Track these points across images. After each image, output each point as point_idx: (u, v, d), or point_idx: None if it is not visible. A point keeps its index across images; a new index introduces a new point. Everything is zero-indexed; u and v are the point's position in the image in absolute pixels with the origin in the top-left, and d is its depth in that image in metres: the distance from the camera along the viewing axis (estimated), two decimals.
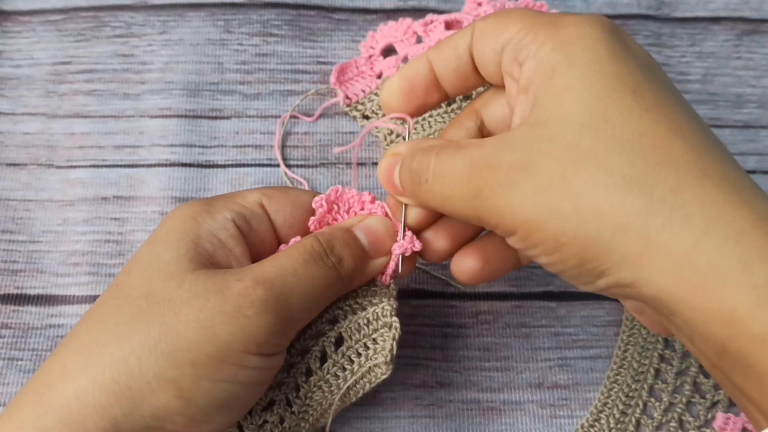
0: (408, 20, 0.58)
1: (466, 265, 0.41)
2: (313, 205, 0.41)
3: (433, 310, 0.51)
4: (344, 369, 0.41)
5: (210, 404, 0.35)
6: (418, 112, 0.43)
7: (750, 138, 0.59)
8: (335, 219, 0.42)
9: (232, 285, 0.35)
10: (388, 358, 0.39)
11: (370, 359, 0.40)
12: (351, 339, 0.41)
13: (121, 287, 0.37)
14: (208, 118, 0.57)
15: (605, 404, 0.48)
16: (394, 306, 0.41)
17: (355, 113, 0.57)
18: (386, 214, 0.42)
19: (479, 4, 0.58)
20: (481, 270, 0.41)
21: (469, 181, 0.35)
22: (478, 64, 0.40)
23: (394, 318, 0.40)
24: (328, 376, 0.41)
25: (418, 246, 0.41)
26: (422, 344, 0.50)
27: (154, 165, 0.55)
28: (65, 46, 0.59)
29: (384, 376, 0.40)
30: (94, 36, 0.60)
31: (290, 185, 0.54)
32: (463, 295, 0.51)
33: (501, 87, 0.40)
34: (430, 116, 0.54)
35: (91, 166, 0.55)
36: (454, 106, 0.52)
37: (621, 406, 0.48)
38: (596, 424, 0.47)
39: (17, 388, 0.47)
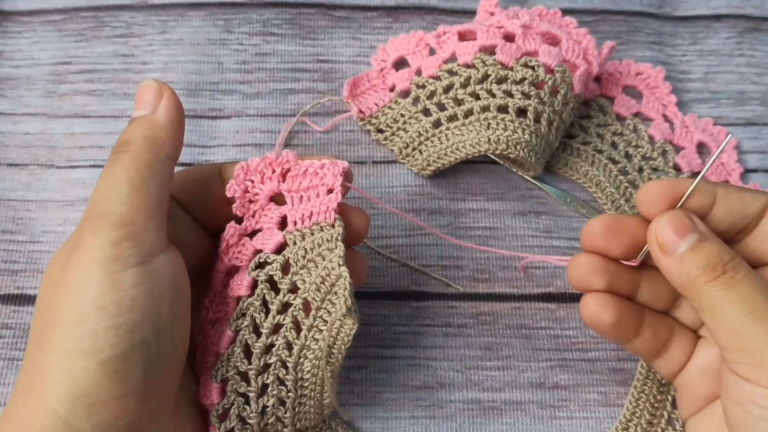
0: (420, 32, 0.58)
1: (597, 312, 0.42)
2: (228, 194, 0.41)
3: (433, 311, 0.51)
4: (320, 330, 0.41)
5: (123, 348, 0.34)
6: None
7: (753, 135, 0.58)
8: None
9: (70, 242, 0.36)
10: (344, 309, 0.39)
11: (336, 314, 0.40)
12: (316, 300, 0.41)
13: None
14: (209, 117, 0.57)
15: (633, 413, 0.48)
16: (342, 252, 0.40)
17: (369, 127, 0.57)
18: (333, 179, 0.41)
19: (491, 14, 0.57)
20: (609, 326, 0.42)
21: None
22: (761, 236, 0.41)
23: (343, 268, 0.39)
24: (309, 342, 0.41)
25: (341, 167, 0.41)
26: (423, 344, 0.50)
27: None
28: (65, 46, 0.59)
29: (354, 329, 0.40)
30: (95, 36, 0.60)
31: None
32: (464, 296, 0.51)
33: None
34: (447, 129, 0.53)
35: (91, 166, 0.55)
36: (472, 118, 0.52)
37: (648, 416, 0.48)
38: None
39: None
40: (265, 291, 0.41)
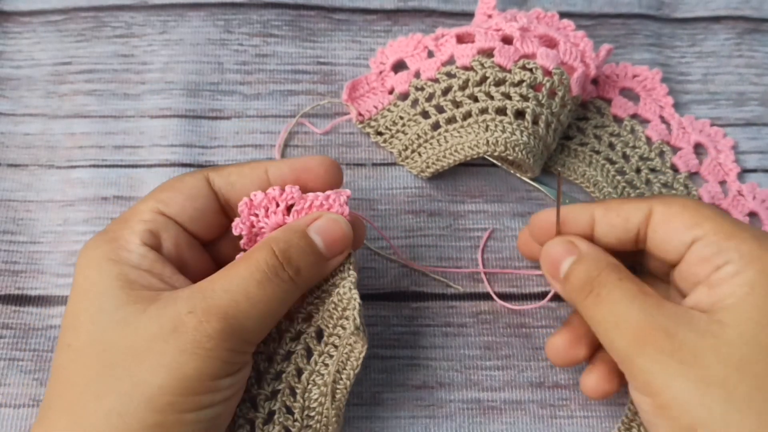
0: (418, 35, 0.58)
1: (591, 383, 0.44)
2: (235, 232, 0.42)
3: (433, 311, 0.51)
4: (331, 356, 0.41)
5: (200, 430, 0.36)
6: None
7: (752, 136, 0.59)
8: (269, 223, 0.42)
9: (186, 320, 0.36)
10: (352, 328, 0.39)
11: (346, 337, 0.40)
12: (328, 327, 0.41)
13: (74, 346, 0.37)
14: (208, 118, 0.57)
15: (636, 413, 0.48)
16: (354, 279, 0.41)
17: (368, 129, 0.57)
18: (339, 208, 0.42)
19: (489, 17, 0.57)
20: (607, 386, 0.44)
21: (638, 330, 0.37)
22: (652, 243, 0.42)
23: (353, 291, 0.40)
24: (318, 367, 0.41)
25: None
26: (422, 344, 0.50)
27: (155, 165, 0.55)
28: (65, 46, 0.59)
29: (363, 352, 0.40)
30: (95, 36, 0.60)
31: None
32: (463, 295, 0.51)
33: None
34: (446, 131, 0.53)
35: (91, 166, 0.55)
36: (470, 120, 0.52)
37: None
38: None
39: (18, 389, 0.47)
40: (282, 320, 0.42)
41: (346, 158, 0.56)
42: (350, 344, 0.40)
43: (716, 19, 0.64)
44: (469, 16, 0.62)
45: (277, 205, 0.42)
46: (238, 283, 0.37)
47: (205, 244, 0.44)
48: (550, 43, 0.54)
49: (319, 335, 0.42)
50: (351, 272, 0.41)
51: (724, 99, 0.60)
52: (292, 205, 0.42)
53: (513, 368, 0.50)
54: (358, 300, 0.40)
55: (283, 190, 0.42)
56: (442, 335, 0.50)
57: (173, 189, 0.42)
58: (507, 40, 0.54)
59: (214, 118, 0.57)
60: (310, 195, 0.41)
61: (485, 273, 0.52)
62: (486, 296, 0.51)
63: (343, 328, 0.41)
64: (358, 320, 0.39)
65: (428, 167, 0.54)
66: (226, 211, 0.43)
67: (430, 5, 0.62)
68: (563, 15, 0.57)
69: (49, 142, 0.56)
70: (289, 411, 0.41)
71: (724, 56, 0.62)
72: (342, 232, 0.40)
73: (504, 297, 0.51)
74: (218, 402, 0.36)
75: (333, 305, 0.41)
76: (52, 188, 0.54)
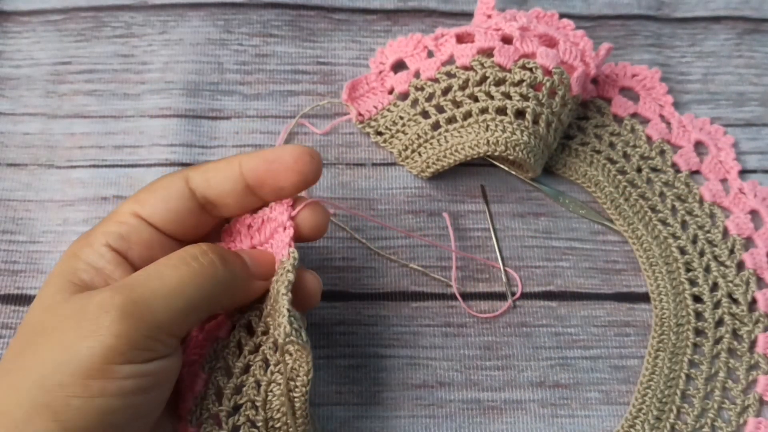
0: (418, 35, 0.58)
1: None
2: None
3: (432, 311, 0.51)
4: (287, 364, 0.39)
5: (90, 422, 0.34)
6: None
7: (752, 136, 0.59)
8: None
9: (93, 298, 0.35)
10: (282, 338, 0.37)
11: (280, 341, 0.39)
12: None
13: (20, 326, 0.37)
14: (208, 118, 0.57)
15: (640, 410, 0.48)
16: (286, 281, 0.39)
17: (368, 129, 0.57)
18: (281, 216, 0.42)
19: (489, 17, 0.57)
20: None
21: None
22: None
23: (284, 298, 0.38)
24: (275, 377, 0.40)
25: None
26: (422, 344, 0.50)
27: (154, 165, 0.55)
28: (65, 46, 0.59)
29: (305, 359, 0.39)
30: (94, 36, 0.60)
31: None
32: (463, 295, 0.51)
33: None
34: (446, 131, 0.53)
35: (91, 166, 0.55)
36: (471, 120, 0.52)
37: (655, 412, 0.48)
38: (632, 430, 0.47)
39: None
40: (241, 334, 0.41)
41: (346, 158, 0.56)
42: (299, 351, 0.39)
43: (716, 19, 0.64)
44: (468, 16, 0.62)
45: (247, 229, 0.42)
46: (156, 265, 0.37)
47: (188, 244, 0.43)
48: (550, 43, 0.54)
49: (276, 345, 0.40)
50: (288, 274, 0.39)
51: (724, 99, 0.60)
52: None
53: (513, 368, 0.49)
54: (287, 306, 0.38)
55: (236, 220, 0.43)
56: (441, 335, 0.50)
57: (149, 189, 0.41)
58: (507, 40, 0.54)
59: (214, 118, 0.57)
60: (259, 213, 0.42)
61: (456, 259, 0.52)
62: (486, 296, 0.51)
63: (275, 350, 0.40)
64: (288, 328, 0.37)
65: (428, 167, 0.54)
66: (207, 210, 0.42)
67: (429, 5, 0.62)
68: (562, 17, 0.58)
69: (49, 141, 0.56)
70: (254, 425, 0.40)
71: (724, 56, 0.62)
72: (266, 258, 0.41)
73: (504, 296, 0.51)
74: (112, 393, 0.34)
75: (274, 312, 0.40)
76: (51, 188, 0.54)
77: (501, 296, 0.51)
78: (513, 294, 0.51)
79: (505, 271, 0.52)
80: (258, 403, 0.40)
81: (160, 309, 0.35)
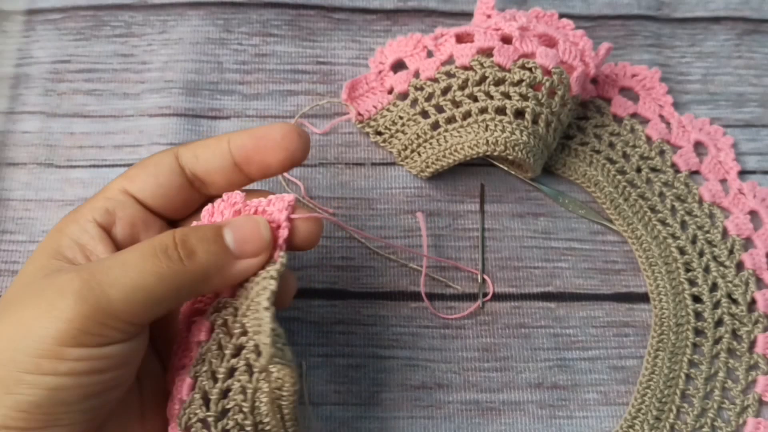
0: (418, 35, 0.58)
1: None
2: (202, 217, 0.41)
3: (431, 311, 0.51)
4: (271, 372, 0.38)
5: (40, 398, 0.34)
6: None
7: (751, 137, 0.59)
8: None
9: (57, 279, 0.35)
10: (264, 361, 0.36)
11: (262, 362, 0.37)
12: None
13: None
14: (208, 117, 0.57)
15: (639, 410, 0.48)
16: (269, 293, 0.37)
17: (368, 129, 0.57)
18: (278, 214, 0.39)
19: (488, 17, 0.57)
20: None
21: None
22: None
23: (266, 314, 0.37)
24: (261, 384, 0.38)
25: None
26: (421, 345, 0.50)
27: None
28: (65, 45, 0.59)
29: (286, 378, 0.37)
30: (94, 35, 0.60)
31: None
32: (462, 296, 0.51)
33: None
34: (445, 131, 0.53)
35: (91, 165, 0.55)
36: (470, 120, 0.52)
37: (655, 412, 0.48)
38: (631, 430, 0.47)
39: None
40: (221, 335, 0.39)
41: (346, 158, 0.56)
42: (281, 371, 0.37)
43: (716, 20, 0.64)
44: (468, 16, 0.62)
45: (236, 213, 0.40)
46: (125, 252, 0.36)
47: (175, 223, 0.43)
48: (550, 43, 0.54)
49: (258, 350, 0.39)
50: (270, 282, 0.37)
51: (724, 100, 0.60)
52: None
53: (511, 369, 0.50)
54: (270, 325, 0.36)
55: (228, 196, 0.41)
56: (440, 336, 0.50)
57: (140, 165, 0.41)
58: (506, 40, 0.53)
59: (214, 118, 0.57)
60: (254, 200, 0.40)
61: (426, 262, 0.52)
62: (485, 297, 0.51)
63: (258, 355, 0.38)
64: (272, 350, 0.36)
65: (428, 167, 0.54)
66: (195, 187, 0.42)
67: (429, 5, 0.62)
68: (562, 17, 0.57)
69: (48, 140, 0.56)
70: (243, 429, 0.39)
71: (723, 57, 0.62)
72: (257, 232, 0.38)
73: (503, 297, 0.51)
74: (63, 372, 0.34)
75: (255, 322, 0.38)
76: (51, 187, 0.54)
77: (500, 297, 0.51)
78: (485, 295, 0.51)
79: (483, 274, 0.52)
80: (245, 409, 0.39)
81: (117, 298, 0.35)
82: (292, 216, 0.40)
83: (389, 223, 0.54)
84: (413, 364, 0.49)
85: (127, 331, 0.36)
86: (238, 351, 0.39)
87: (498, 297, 0.51)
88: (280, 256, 0.39)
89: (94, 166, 0.55)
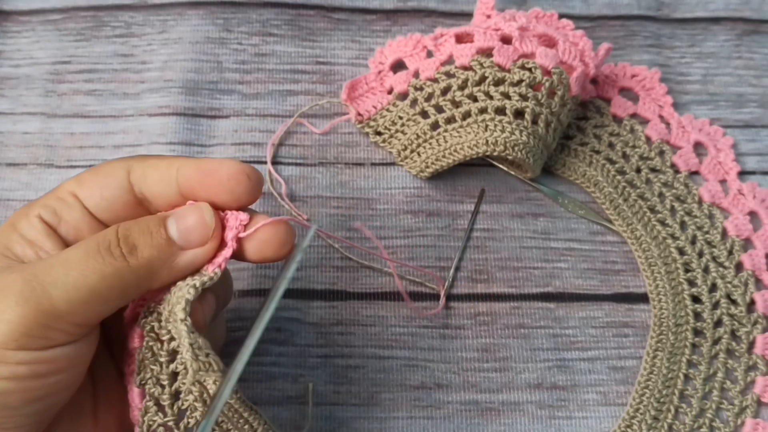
0: (417, 35, 0.58)
1: None
2: None
3: (430, 312, 0.51)
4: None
5: None
6: None
7: (751, 138, 0.59)
8: None
9: (1, 280, 0.34)
10: (192, 371, 0.35)
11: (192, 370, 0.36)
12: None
13: None
14: (207, 116, 0.57)
15: (637, 410, 0.48)
16: (186, 298, 0.36)
17: (367, 129, 0.57)
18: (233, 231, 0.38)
19: (488, 17, 0.57)
20: None
21: None
22: None
23: (181, 324, 0.35)
24: (208, 384, 0.38)
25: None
26: (420, 346, 0.50)
27: None
28: (65, 45, 0.59)
29: (219, 382, 0.36)
30: (94, 36, 0.60)
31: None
32: (462, 296, 0.51)
33: None
34: (445, 131, 0.53)
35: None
36: (470, 120, 0.52)
37: (653, 412, 0.48)
38: (629, 430, 0.47)
39: None
40: (151, 343, 0.38)
41: (345, 158, 0.56)
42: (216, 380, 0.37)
43: (716, 20, 0.64)
44: (468, 16, 0.62)
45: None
46: (64, 253, 0.35)
47: None
48: (549, 43, 0.54)
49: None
50: (187, 291, 0.36)
51: (723, 100, 0.60)
52: None
53: (511, 370, 0.50)
54: (188, 339, 0.35)
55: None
56: (439, 336, 0.50)
57: (93, 172, 0.40)
58: (506, 40, 0.53)
59: (213, 117, 0.57)
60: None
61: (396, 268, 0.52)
62: (485, 297, 0.51)
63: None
64: (195, 364, 0.35)
65: (427, 167, 0.54)
66: (144, 205, 0.40)
67: (429, 5, 0.62)
68: (562, 17, 0.57)
69: (48, 141, 0.56)
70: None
71: (723, 57, 0.62)
72: (201, 219, 0.37)
73: (502, 297, 0.51)
74: (4, 376, 0.33)
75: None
76: (51, 187, 0.52)
77: (500, 297, 0.52)
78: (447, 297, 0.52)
79: (453, 272, 0.52)
80: (200, 408, 0.38)
81: (60, 298, 0.34)
82: (241, 234, 0.37)
83: (389, 223, 0.54)
84: (412, 365, 0.49)
85: (71, 332, 0.35)
86: (172, 356, 0.38)
87: (498, 297, 0.51)
88: (214, 272, 0.37)
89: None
